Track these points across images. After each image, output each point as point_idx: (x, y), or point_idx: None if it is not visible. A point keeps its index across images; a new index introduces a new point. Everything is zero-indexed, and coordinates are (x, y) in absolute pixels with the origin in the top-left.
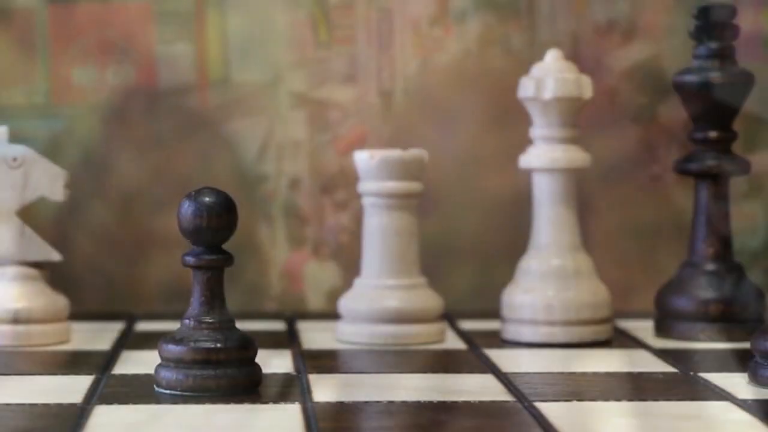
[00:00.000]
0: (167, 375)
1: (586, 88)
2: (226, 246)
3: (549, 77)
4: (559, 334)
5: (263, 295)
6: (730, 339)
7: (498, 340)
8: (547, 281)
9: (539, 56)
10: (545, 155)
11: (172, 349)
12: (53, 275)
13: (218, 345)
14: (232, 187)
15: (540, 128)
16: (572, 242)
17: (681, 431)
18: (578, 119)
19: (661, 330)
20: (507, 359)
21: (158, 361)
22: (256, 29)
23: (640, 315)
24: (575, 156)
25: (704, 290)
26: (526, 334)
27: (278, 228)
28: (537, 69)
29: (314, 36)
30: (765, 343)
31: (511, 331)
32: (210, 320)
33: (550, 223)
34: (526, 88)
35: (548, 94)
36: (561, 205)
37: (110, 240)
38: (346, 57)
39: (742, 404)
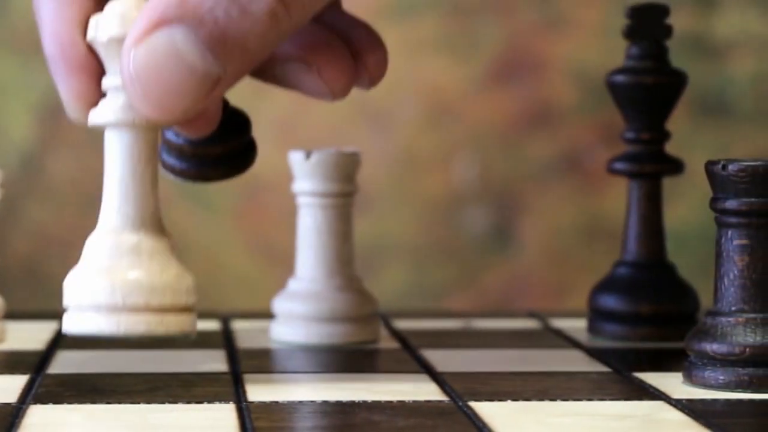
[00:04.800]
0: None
1: None
2: None
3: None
4: None
5: (198, 294)
6: (662, 339)
7: (435, 339)
8: None
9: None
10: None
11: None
12: None
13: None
14: (169, 185)
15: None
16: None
17: (615, 431)
18: None
19: (594, 329)
20: (441, 359)
21: (92, 361)
22: None
23: (573, 314)
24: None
25: (636, 290)
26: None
27: (214, 227)
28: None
29: None
30: (700, 342)
31: None
32: None
33: None
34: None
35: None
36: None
37: (45, 239)
38: None
39: (677, 404)
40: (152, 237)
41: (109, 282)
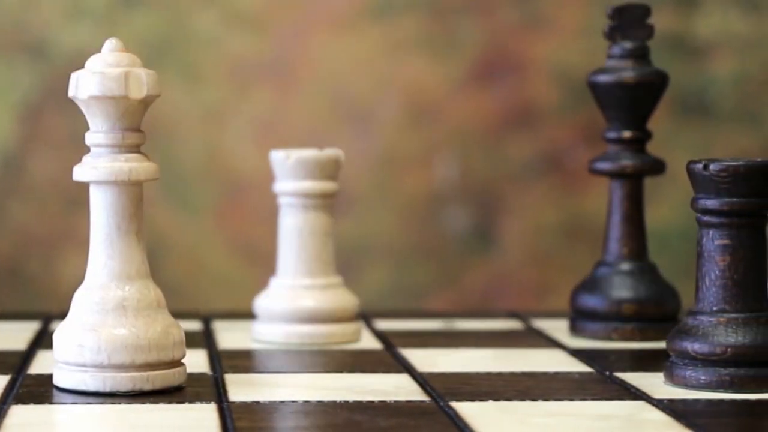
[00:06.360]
0: None
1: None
2: None
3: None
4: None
5: (179, 294)
6: (643, 339)
7: (417, 339)
8: None
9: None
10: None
11: None
12: None
13: None
14: (152, 185)
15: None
16: None
17: (597, 431)
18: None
19: (576, 329)
20: (422, 359)
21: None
22: (172, 29)
23: (555, 314)
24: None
25: (618, 290)
26: None
27: (195, 227)
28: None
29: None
30: (681, 342)
31: None
32: None
33: None
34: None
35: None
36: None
37: (27, 239)
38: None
39: (658, 404)
40: (138, 292)
41: (94, 340)
